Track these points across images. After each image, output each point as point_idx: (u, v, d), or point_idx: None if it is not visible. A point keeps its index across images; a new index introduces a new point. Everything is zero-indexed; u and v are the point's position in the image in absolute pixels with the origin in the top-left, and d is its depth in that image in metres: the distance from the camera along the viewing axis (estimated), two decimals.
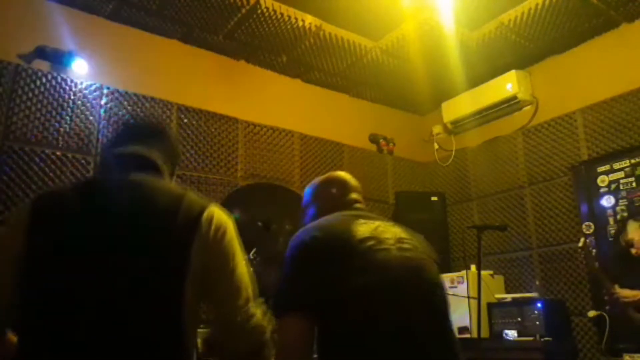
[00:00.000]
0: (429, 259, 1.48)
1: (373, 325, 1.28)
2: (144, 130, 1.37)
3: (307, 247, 1.37)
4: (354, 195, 1.66)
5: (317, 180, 1.75)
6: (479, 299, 2.84)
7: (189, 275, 1.12)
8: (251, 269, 2.31)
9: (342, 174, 1.73)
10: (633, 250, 3.03)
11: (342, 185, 1.67)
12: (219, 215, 1.22)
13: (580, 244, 3.14)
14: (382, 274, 1.34)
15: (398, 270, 1.37)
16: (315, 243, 1.37)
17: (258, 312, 1.21)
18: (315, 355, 1.35)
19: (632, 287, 2.98)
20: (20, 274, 1.09)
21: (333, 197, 1.64)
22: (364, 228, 1.41)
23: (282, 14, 3.59)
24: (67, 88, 3.25)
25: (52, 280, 1.08)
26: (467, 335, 3.50)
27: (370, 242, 1.38)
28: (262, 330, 1.20)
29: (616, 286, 3.02)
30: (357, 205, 1.63)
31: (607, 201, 3.63)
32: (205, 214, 1.18)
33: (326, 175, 1.75)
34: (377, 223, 1.46)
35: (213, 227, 1.18)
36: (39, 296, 1.08)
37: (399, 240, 1.44)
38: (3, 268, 1.12)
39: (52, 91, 3.18)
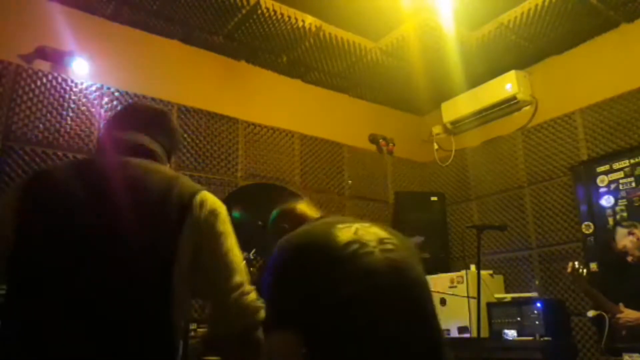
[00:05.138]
0: (413, 257, 1.46)
1: (362, 334, 1.26)
2: (144, 116, 1.36)
3: (290, 259, 1.34)
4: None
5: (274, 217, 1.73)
6: (478, 298, 2.85)
7: (178, 256, 1.10)
8: (251, 269, 2.31)
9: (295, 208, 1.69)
10: (629, 258, 3.02)
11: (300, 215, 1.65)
12: (212, 199, 1.21)
13: (569, 269, 3.04)
14: (369, 280, 1.31)
15: (384, 274, 1.34)
16: (297, 254, 1.34)
17: (252, 292, 1.19)
18: None
19: (631, 294, 2.97)
20: (8, 254, 1.08)
21: (299, 219, 1.62)
22: (345, 232, 1.38)
23: (282, 15, 3.60)
24: (68, 88, 3.26)
25: (40, 261, 1.07)
26: (467, 335, 3.51)
27: (354, 246, 1.34)
28: (256, 310, 1.18)
29: (621, 305, 2.95)
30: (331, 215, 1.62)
31: (606, 201, 3.64)
32: (197, 197, 1.18)
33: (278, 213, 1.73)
34: (356, 225, 1.43)
35: (205, 210, 1.17)
36: (26, 277, 1.07)
37: (381, 241, 1.40)
38: None
39: (52, 91, 3.19)
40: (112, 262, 1.07)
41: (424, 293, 1.42)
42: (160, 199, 1.13)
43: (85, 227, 1.09)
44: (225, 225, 1.21)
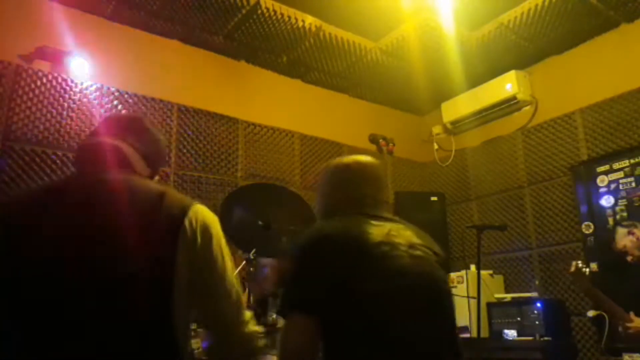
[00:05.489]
0: (438, 265, 1.46)
1: (383, 333, 1.27)
2: (115, 124, 1.31)
3: (320, 245, 1.34)
4: (368, 190, 1.54)
5: (334, 166, 1.62)
6: (478, 298, 2.84)
7: (177, 258, 1.08)
8: (251, 269, 2.31)
9: (360, 163, 1.58)
10: (629, 258, 3.01)
11: (359, 177, 1.56)
12: (203, 215, 1.16)
13: (572, 269, 2.99)
14: (396, 281, 1.32)
15: (411, 278, 1.34)
16: (328, 241, 1.34)
17: (250, 317, 1.19)
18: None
19: (631, 294, 2.95)
20: None
21: (347, 189, 1.54)
22: (377, 231, 1.38)
23: (282, 15, 3.60)
24: (68, 88, 3.26)
25: (39, 261, 1.05)
26: (467, 335, 3.50)
27: (385, 248, 1.34)
28: (256, 337, 1.18)
29: (632, 314, 2.86)
30: (368, 201, 1.53)
31: (606, 201, 3.64)
32: (188, 215, 1.13)
33: (345, 162, 1.61)
34: (389, 226, 1.42)
35: (199, 230, 1.13)
36: (24, 278, 1.05)
37: (411, 246, 1.40)
38: None
39: (52, 91, 3.19)
40: (112, 262, 1.06)
41: (447, 300, 1.43)
42: (148, 219, 1.10)
43: (82, 228, 1.08)
44: (220, 242, 1.18)
